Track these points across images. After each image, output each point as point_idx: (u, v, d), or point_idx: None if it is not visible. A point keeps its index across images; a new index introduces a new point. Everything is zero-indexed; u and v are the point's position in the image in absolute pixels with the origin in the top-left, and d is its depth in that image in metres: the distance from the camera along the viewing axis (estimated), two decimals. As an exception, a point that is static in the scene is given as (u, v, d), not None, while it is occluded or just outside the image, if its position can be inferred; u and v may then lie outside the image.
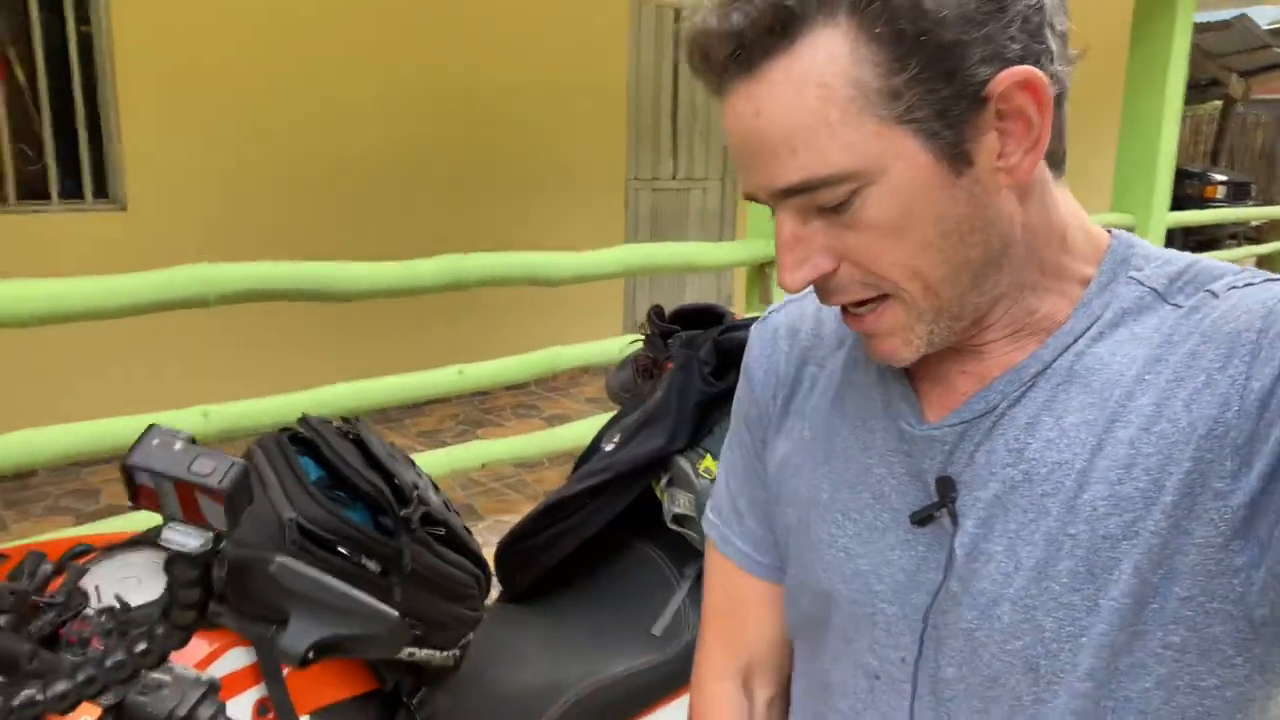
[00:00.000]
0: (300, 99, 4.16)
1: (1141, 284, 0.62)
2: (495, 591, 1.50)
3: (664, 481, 1.44)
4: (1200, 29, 7.93)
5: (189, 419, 2.49)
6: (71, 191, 3.71)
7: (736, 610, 0.84)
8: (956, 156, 0.56)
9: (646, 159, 5.58)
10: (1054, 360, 0.61)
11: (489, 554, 1.27)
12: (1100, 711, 0.58)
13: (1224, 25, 9.13)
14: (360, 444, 1.09)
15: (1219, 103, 11.07)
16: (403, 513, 1.05)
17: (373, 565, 1.08)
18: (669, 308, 1.70)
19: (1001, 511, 0.61)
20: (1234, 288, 0.58)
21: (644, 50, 5.44)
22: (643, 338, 1.74)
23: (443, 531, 1.11)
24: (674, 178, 5.74)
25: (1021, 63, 0.55)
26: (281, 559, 0.69)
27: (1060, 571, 0.58)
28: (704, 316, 1.73)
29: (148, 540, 0.97)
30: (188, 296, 2.35)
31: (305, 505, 1.01)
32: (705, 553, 0.89)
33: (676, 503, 1.41)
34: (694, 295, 5.95)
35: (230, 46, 3.93)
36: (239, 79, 3.98)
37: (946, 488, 0.63)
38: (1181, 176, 9.38)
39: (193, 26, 3.82)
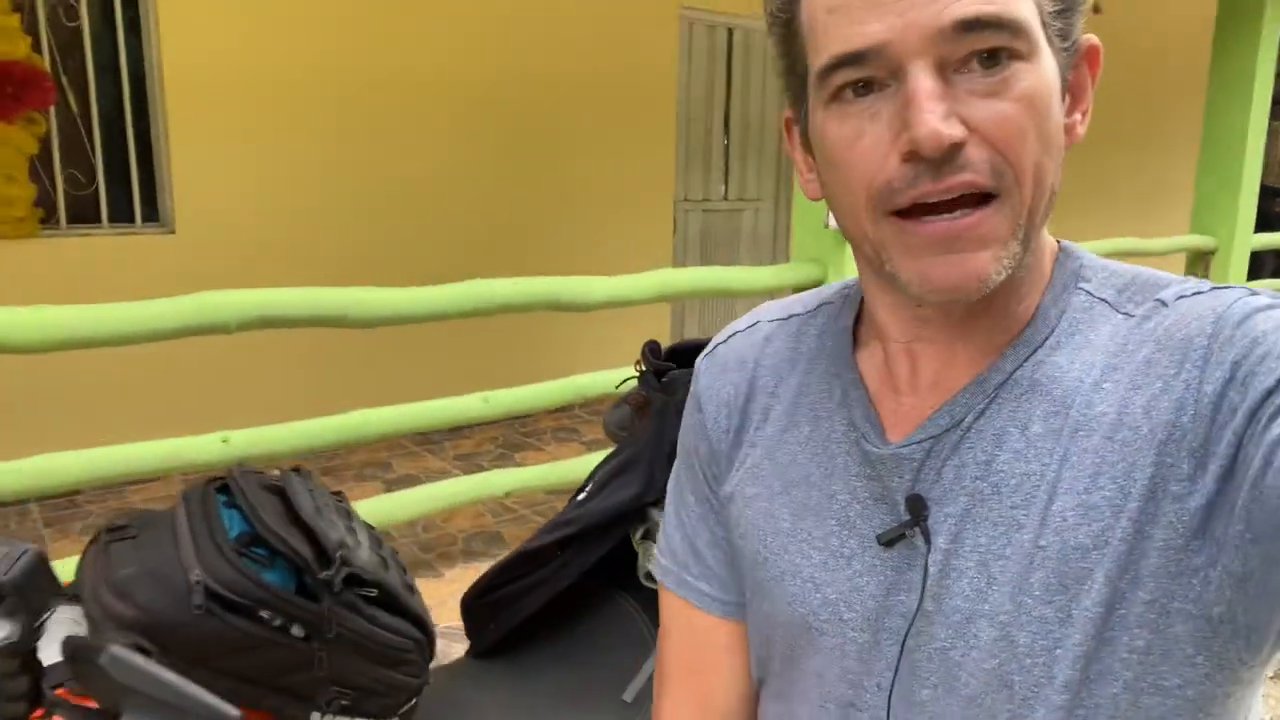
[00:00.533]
0: (349, 121, 4.20)
1: (1091, 294, 0.62)
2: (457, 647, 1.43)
3: (639, 534, 1.35)
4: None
5: (209, 445, 2.49)
6: (121, 215, 3.80)
7: (702, 664, 0.78)
8: (1063, 84, 0.58)
9: (697, 180, 5.49)
10: (1014, 371, 0.61)
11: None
12: None
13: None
14: (285, 497, 1.03)
15: (1316, 115, 10.46)
16: (322, 575, 0.98)
17: (296, 630, 1.01)
18: (691, 337, 1.61)
19: (971, 526, 0.60)
20: (1182, 296, 0.59)
21: (694, 69, 5.37)
22: (637, 374, 1.65)
23: (374, 593, 1.04)
24: (725, 199, 5.64)
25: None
26: (114, 650, 0.62)
27: (1033, 584, 0.57)
28: (699, 353, 1.63)
29: None
30: (209, 323, 2.35)
31: (215, 565, 0.95)
32: (660, 605, 0.82)
33: (650, 558, 1.32)
34: (745, 318, 5.84)
35: (280, 69, 3.99)
36: (288, 102, 4.03)
37: (918, 506, 0.62)
38: (1268, 194, 8.89)
39: (242, 49, 3.89)
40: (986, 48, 0.53)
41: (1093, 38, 0.60)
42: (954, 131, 0.53)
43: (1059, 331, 0.61)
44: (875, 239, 0.58)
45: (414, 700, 1.14)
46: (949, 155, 0.53)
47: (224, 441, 2.48)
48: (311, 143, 4.12)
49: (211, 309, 2.35)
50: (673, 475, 0.82)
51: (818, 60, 0.57)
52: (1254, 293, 0.57)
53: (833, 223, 3.44)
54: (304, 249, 4.10)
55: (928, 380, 0.64)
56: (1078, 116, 0.60)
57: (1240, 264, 5.67)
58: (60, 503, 3.56)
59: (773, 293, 3.78)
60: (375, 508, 2.82)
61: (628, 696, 1.28)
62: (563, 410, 4.77)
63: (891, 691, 0.64)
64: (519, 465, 3.97)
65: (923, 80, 0.53)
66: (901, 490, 0.63)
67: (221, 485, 1.07)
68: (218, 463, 2.50)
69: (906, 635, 0.63)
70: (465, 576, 3.05)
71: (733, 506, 0.74)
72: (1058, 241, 0.65)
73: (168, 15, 3.68)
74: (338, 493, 1.17)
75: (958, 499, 0.61)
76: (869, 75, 0.55)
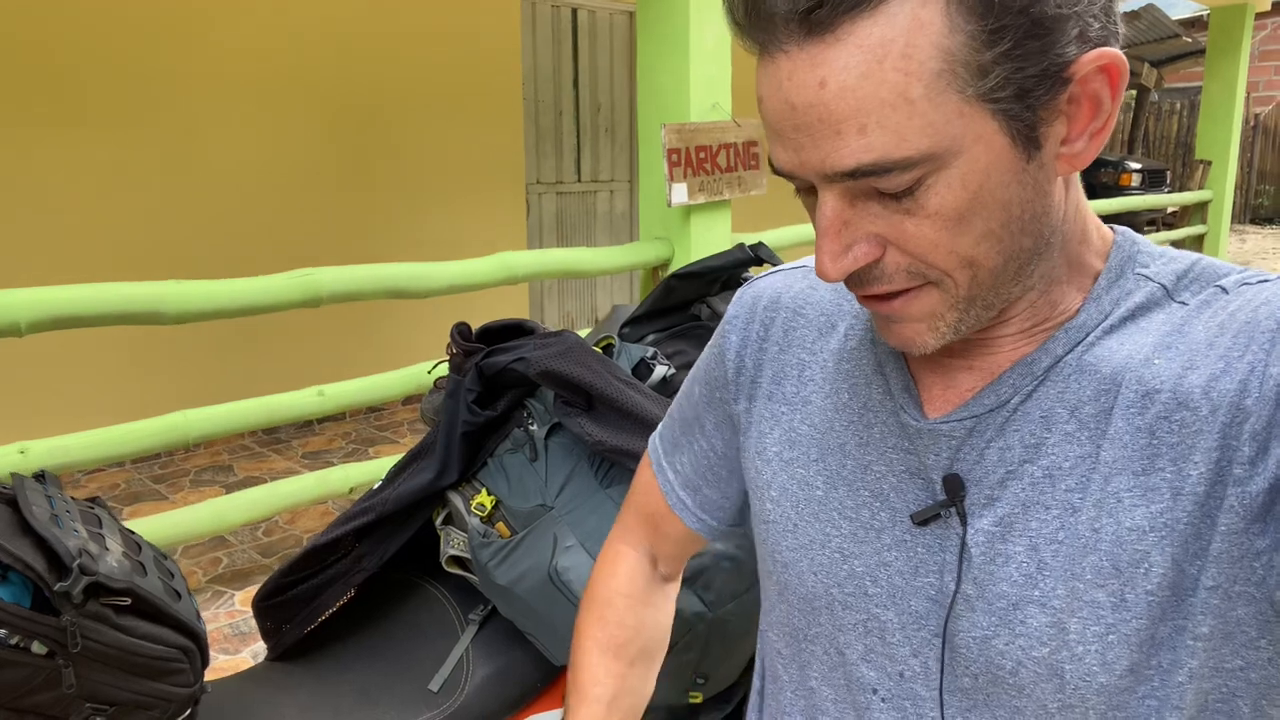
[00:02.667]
0: (171, 110, 3.95)
1: (1150, 279, 0.60)
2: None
3: (440, 518, 1.31)
4: (1125, 18, 8.04)
5: (5, 457, 2.30)
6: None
7: (656, 523, 0.87)
8: (1030, 140, 0.53)
9: (549, 163, 5.44)
10: (1065, 355, 0.59)
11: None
12: (1133, 713, 0.56)
13: (1133, 15, 9.27)
14: (15, 506, 0.94)
15: (1133, 92, 11.26)
16: (57, 587, 0.90)
17: (37, 647, 0.93)
18: (533, 316, 1.57)
19: (1021, 510, 0.58)
20: (1246, 284, 0.58)
21: (540, 50, 5.30)
22: (448, 357, 1.61)
23: (127, 601, 0.97)
24: (578, 180, 5.61)
25: (1104, 44, 0.53)
26: None
27: (1084, 568, 0.56)
28: (512, 333, 1.60)
29: None
30: (-8, 325, 2.16)
31: (-72, 584, 0.86)
32: (640, 468, 0.89)
33: (451, 543, 1.28)
34: (605, 299, 5.83)
35: (84, 47, 3.71)
36: (98, 84, 3.75)
37: (955, 486, 0.60)
38: (1097, 165, 9.52)
39: (38, 25, 3.59)
40: (882, 189, 0.52)
41: (1104, 53, 0.52)
42: (847, 265, 0.55)
43: (1113, 317, 0.60)
44: None
45: (189, 710, 1.07)
46: (862, 273, 0.56)
47: (21, 453, 2.29)
48: (130, 133, 3.85)
49: (-2, 310, 2.16)
50: (684, 389, 0.84)
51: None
52: None
53: (675, 200, 3.47)
54: (122, 244, 3.84)
55: (966, 361, 0.63)
56: (1080, 143, 0.55)
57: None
58: None
59: (622, 271, 3.78)
60: (210, 511, 2.68)
61: (433, 685, 1.25)
62: (419, 397, 4.66)
63: (929, 679, 0.62)
64: (373, 459, 3.85)
65: (827, 211, 0.54)
66: (939, 468, 0.62)
67: (-55, 497, 0.97)
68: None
69: (947, 621, 0.61)
70: (310, 578, 2.94)
71: (766, 466, 0.73)
72: (1113, 228, 0.64)
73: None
74: (92, 499, 1.08)
75: (1005, 482, 0.59)
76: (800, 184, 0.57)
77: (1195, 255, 0.62)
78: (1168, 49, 10.20)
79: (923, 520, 0.62)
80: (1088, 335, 0.59)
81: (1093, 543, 0.56)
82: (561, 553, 1.17)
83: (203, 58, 4.01)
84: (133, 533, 1.10)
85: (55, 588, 0.91)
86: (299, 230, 4.34)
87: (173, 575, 1.09)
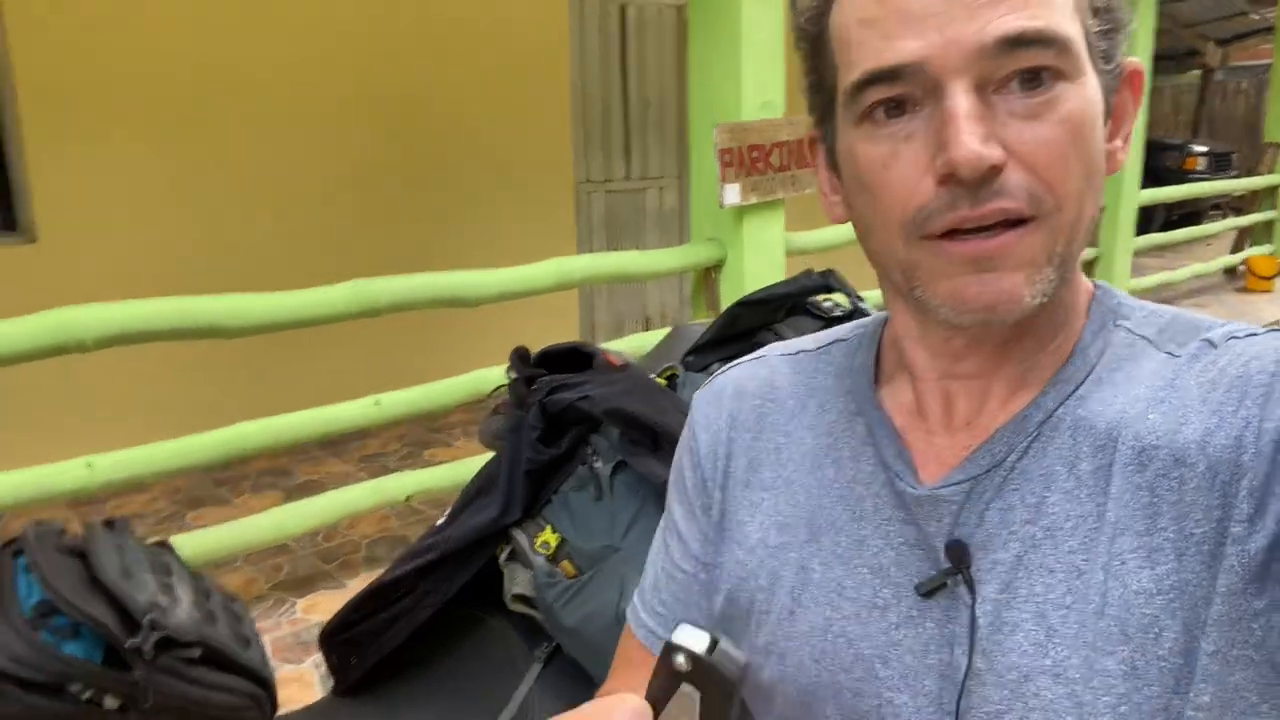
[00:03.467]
0: (222, 118, 3.99)
1: (1132, 332, 0.60)
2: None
3: (504, 555, 1.29)
4: (1170, -2, 7.75)
5: (73, 471, 2.34)
6: (-24, 225, 3.55)
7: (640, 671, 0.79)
8: (1106, 108, 0.55)
9: (597, 160, 5.41)
10: (1056, 409, 0.58)
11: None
12: None
13: (1198, -8, 8.94)
14: (86, 559, 0.94)
15: (1198, 72, 10.88)
16: (129, 643, 0.90)
17: (110, 702, 0.93)
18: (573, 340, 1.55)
19: (1025, 574, 0.56)
20: (1234, 337, 0.57)
21: (588, 47, 5.27)
22: (508, 382, 1.59)
23: (197, 653, 0.97)
24: (627, 178, 5.57)
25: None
26: None
27: (1094, 635, 0.53)
28: (571, 358, 1.57)
29: None
30: (60, 343, 2.20)
31: (6, 642, 0.86)
32: (618, 649, 0.79)
33: (515, 581, 1.26)
34: (656, 300, 5.79)
35: (142, 64, 3.77)
36: (153, 99, 3.81)
37: (960, 553, 0.57)
38: (1161, 149, 9.21)
39: (100, 45, 3.65)
40: (1029, 66, 0.51)
41: (1136, 61, 0.58)
42: (994, 154, 0.51)
43: (1100, 367, 0.59)
44: (906, 262, 0.56)
45: (259, 756, 1.06)
46: (987, 179, 0.51)
47: (88, 466, 2.33)
48: (183, 141, 3.91)
49: (65, 326, 2.19)
50: (661, 526, 0.77)
51: (849, 76, 0.55)
52: None
53: (728, 201, 3.42)
54: (178, 255, 3.90)
55: (962, 419, 0.61)
56: (1119, 143, 0.58)
57: (1128, 219, 5.86)
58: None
59: (673, 274, 3.74)
60: (270, 521, 2.71)
61: (500, 726, 1.23)
62: (474, 403, 4.68)
63: None
64: (428, 463, 3.87)
65: (961, 100, 0.51)
66: (940, 535, 0.59)
67: (19, 549, 0.97)
68: (83, 490, 2.36)
69: (959, 699, 0.57)
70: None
71: (751, 559, 0.68)
72: (1093, 282, 0.63)
73: (14, 12, 3.43)
74: (161, 543, 1.08)
75: (1007, 544, 0.56)
76: (903, 93, 0.53)
77: (1173, 309, 0.62)
78: (1234, 26, 9.83)
79: (928, 592, 0.58)
80: (1077, 388, 0.58)
81: (1101, 607, 0.53)
82: (630, 595, 1.15)
83: (256, 66, 4.04)
84: (201, 577, 1.09)
85: (127, 644, 0.90)
86: (347, 237, 4.37)
87: (240, 619, 1.09)
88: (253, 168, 4.10)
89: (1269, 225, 7.50)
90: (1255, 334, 0.57)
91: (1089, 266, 5.78)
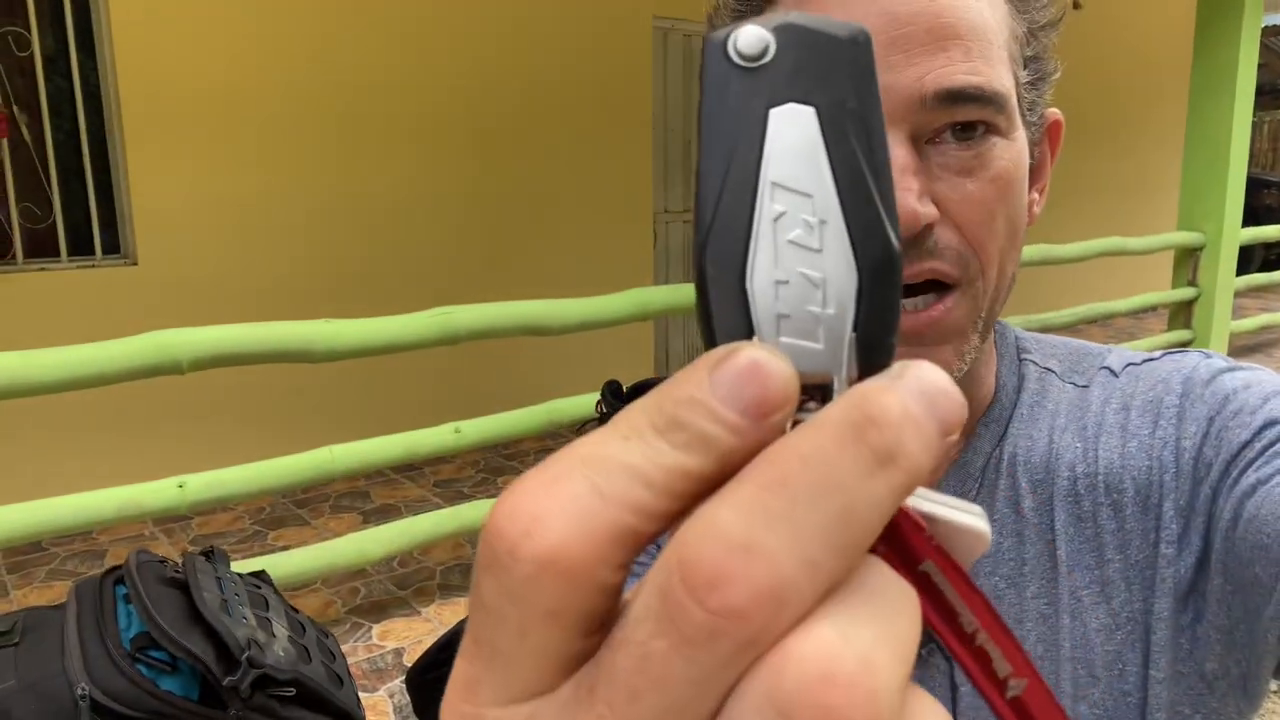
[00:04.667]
0: (315, 142, 4.10)
1: (1038, 365, 0.61)
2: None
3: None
4: (1270, 32, 7.45)
5: (165, 490, 2.39)
6: (81, 248, 3.69)
7: None
8: (1030, 163, 0.55)
9: (676, 191, 5.40)
10: (992, 451, 0.58)
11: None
12: None
13: (1275, 31, 8.60)
14: (186, 589, 0.93)
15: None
16: (227, 681, 0.88)
17: (204, 736, 0.91)
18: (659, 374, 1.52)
19: None
20: (1131, 364, 0.59)
21: (670, 79, 5.28)
22: (598, 416, 1.56)
23: (291, 692, 0.94)
24: (706, 209, 5.55)
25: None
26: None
27: (1070, 682, 0.53)
28: (665, 393, 1.54)
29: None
30: (156, 364, 2.25)
31: (105, 676, 0.85)
32: None
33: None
34: (731, 329, 5.74)
35: (241, 88, 3.89)
36: (250, 122, 3.93)
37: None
38: (1258, 186, 8.85)
39: (200, 70, 3.79)
40: (965, 121, 0.50)
41: (1056, 112, 0.57)
42: (929, 212, 0.49)
43: (1021, 404, 0.59)
44: None
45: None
46: (920, 238, 0.50)
47: (180, 487, 2.37)
48: (277, 165, 4.02)
49: (163, 348, 2.25)
50: None
51: None
52: (1210, 355, 0.57)
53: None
54: (271, 274, 4.00)
55: None
56: (1035, 195, 0.57)
57: (1229, 259, 5.61)
58: (23, 546, 3.44)
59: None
60: (348, 547, 2.72)
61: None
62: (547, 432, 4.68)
63: None
64: (501, 489, 3.86)
65: (898, 152, 0.49)
66: None
67: (120, 577, 0.96)
68: (174, 509, 2.40)
69: None
70: (443, 613, 2.95)
71: None
72: None
73: (122, 39, 3.59)
74: (258, 574, 1.07)
75: None
76: None
77: (1059, 338, 0.63)
78: (1341, 59, 9.42)
79: None
80: (1006, 427, 0.58)
81: (1070, 651, 0.53)
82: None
83: (351, 91, 4.15)
84: (297, 611, 1.08)
85: (225, 682, 0.89)
86: (429, 262, 4.43)
87: (334, 657, 1.07)
88: (345, 192, 4.20)
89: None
90: (1151, 359, 0.58)
91: (1188, 308, 5.55)
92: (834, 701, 0.14)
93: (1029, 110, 0.53)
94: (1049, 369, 0.60)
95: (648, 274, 5.19)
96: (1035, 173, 0.57)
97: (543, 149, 4.76)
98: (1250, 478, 0.49)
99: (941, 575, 0.17)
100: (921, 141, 0.50)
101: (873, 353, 0.18)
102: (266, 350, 2.38)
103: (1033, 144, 0.54)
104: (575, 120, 4.83)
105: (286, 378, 3.67)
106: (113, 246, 3.75)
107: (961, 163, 0.50)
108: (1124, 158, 7.69)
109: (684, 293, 3.41)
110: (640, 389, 1.54)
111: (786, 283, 0.18)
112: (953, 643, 0.17)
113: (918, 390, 0.16)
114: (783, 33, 0.17)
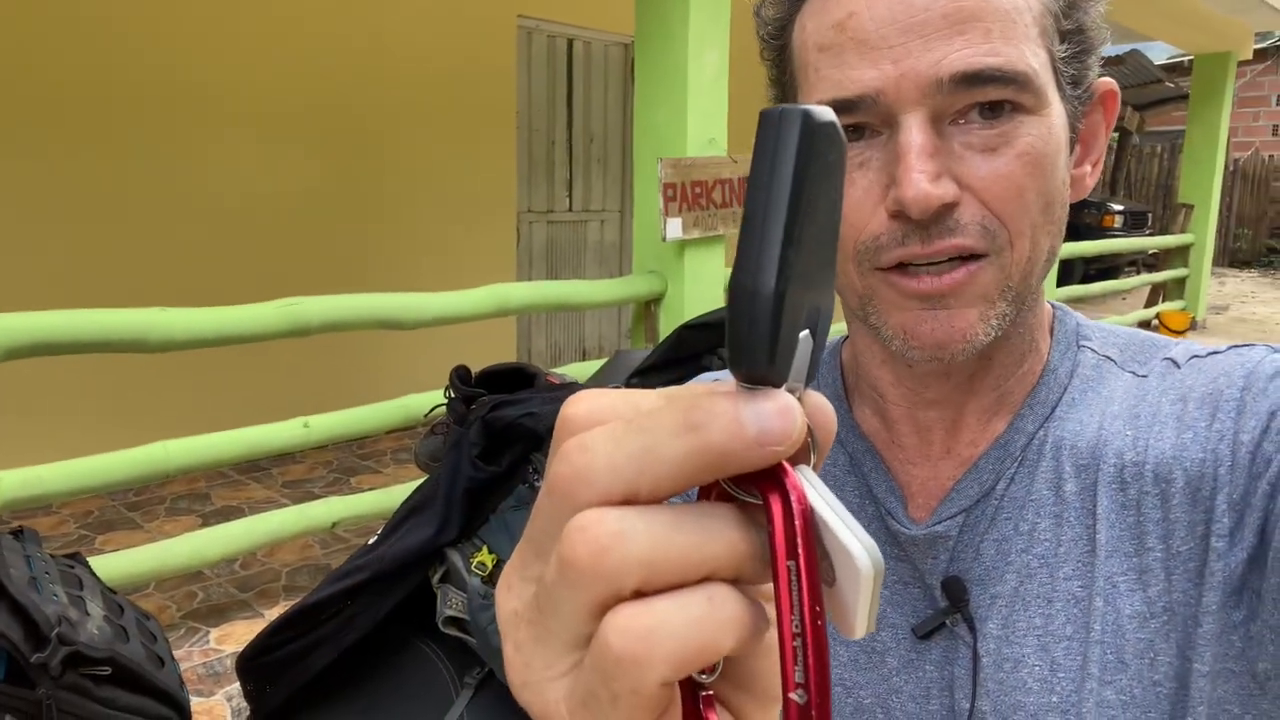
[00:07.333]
0: (158, 132, 3.89)
1: (1097, 353, 0.60)
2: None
3: (438, 576, 1.26)
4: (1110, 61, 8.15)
5: (-25, 487, 2.21)
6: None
7: None
8: (1072, 139, 0.54)
9: (540, 191, 5.41)
10: (1036, 431, 0.57)
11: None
12: None
13: (1117, 60, 9.41)
14: (-10, 569, 0.88)
15: (1116, 135, 11.42)
16: (34, 658, 0.84)
17: (7, 720, 0.87)
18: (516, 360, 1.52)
19: (1023, 607, 0.55)
20: (1196, 356, 0.57)
21: (534, 79, 5.29)
22: (446, 401, 1.56)
23: (107, 671, 0.91)
24: (570, 210, 5.58)
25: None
26: None
27: (1096, 665, 0.52)
28: (513, 378, 1.55)
29: None
30: (-32, 351, 2.09)
31: (-107, 656, 0.80)
32: None
33: (449, 603, 1.22)
34: (594, 331, 5.79)
35: (78, 76, 3.65)
36: (87, 111, 3.69)
37: (957, 590, 0.56)
38: (1081, 206, 9.61)
39: (36, 57, 3.53)
40: (987, 100, 0.50)
41: (1109, 81, 0.57)
42: (944, 193, 0.49)
43: (1072, 389, 0.58)
44: (861, 290, 0.55)
45: (169, 784, 1.00)
46: (939, 216, 0.50)
47: (-7, 484, 2.20)
48: (116, 155, 3.79)
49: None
50: None
51: (806, 100, 0.54)
52: (1276, 350, 0.55)
53: (670, 234, 3.44)
54: (108, 268, 3.76)
55: (940, 449, 0.59)
56: (1087, 168, 0.57)
57: (1050, 272, 6.07)
58: None
59: (613, 305, 3.74)
60: (182, 548, 2.59)
61: (427, 754, 1.19)
62: (405, 429, 4.58)
63: None
64: (354, 490, 3.76)
65: (914, 135, 0.50)
66: (936, 572, 0.57)
67: (-85, 556, 0.90)
68: (-13, 508, 2.23)
69: None
70: (288, 615, 2.85)
71: None
72: (1050, 303, 0.63)
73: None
74: (72, 554, 1.02)
75: (1004, 577, 0.55)
76: (860, 122, 0.52)
77: (1126, 329, 0.62)
78: (1150, 93, 10.36)
79: (926, 633, 0.57)
80: (1053, 410, 0.58)
81: (1100, 635, 0.53)
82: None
83: (193, 81, 3.96)
84: (114, 592, 1.04)
85: (32, 659, 0.85)
86: (286, 257, 4.27)
87: (155, 639, 1.03)
88: (188, 185, 3.99)
89: (1180, 282, 7.86)
90: (1216, 352, 0.57)
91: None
92: (573, 539, 0.20)
93: (1071, 84, 0.53)
94: (1108, 356, 0.60)
95: (510, 273, 5.16)
96: (1085, 145, 0.57)
97: (406, 146, 4.67)
98: None
99: (798, 576, 0.20)
100: (944, 123, 0.51)
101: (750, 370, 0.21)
102: (94, 339, 2.24)
103: (1076, 117, 0.54)
104: (439, 118, 4.77)
105: (121, 370, 3.47)
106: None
107: (985, 141, 0.50)
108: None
109: (544, 290, 3.42)
110: (489, 376, 1.55)
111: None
112: (782, 631, 0.20)
113: (754, 400, 0.20)
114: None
